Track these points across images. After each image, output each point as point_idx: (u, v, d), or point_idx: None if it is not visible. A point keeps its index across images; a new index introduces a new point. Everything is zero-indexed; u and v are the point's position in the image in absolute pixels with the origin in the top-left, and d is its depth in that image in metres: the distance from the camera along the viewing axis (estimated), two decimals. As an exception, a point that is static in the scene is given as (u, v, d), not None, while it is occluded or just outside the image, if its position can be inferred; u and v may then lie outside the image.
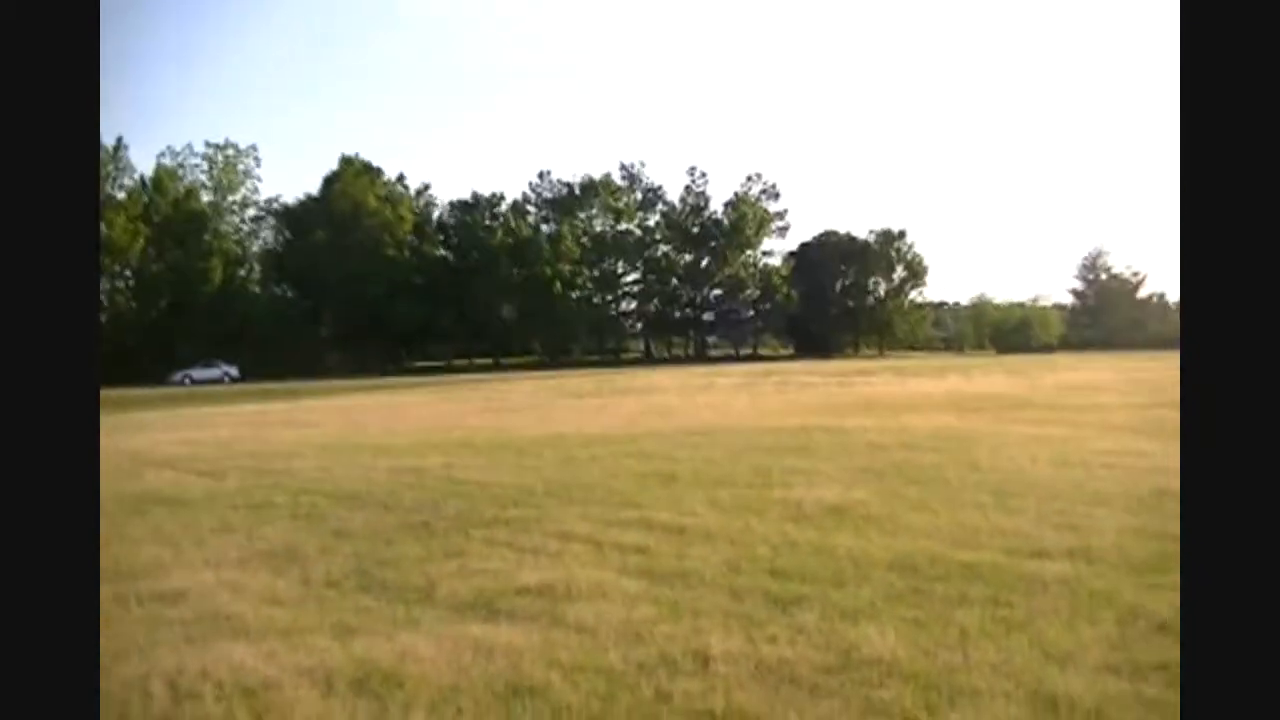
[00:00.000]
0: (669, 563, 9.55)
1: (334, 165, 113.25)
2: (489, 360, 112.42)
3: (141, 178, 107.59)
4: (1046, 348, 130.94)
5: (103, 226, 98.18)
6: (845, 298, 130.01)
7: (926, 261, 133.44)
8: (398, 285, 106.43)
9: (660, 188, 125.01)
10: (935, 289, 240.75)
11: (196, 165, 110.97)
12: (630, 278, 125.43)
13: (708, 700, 6.01)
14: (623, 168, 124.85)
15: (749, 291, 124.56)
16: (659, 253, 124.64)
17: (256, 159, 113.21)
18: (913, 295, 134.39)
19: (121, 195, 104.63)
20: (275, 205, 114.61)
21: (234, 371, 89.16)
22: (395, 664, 6.78)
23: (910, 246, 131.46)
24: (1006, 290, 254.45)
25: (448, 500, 13.45)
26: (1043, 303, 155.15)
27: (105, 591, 9.16)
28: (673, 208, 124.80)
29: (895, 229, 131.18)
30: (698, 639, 7.13)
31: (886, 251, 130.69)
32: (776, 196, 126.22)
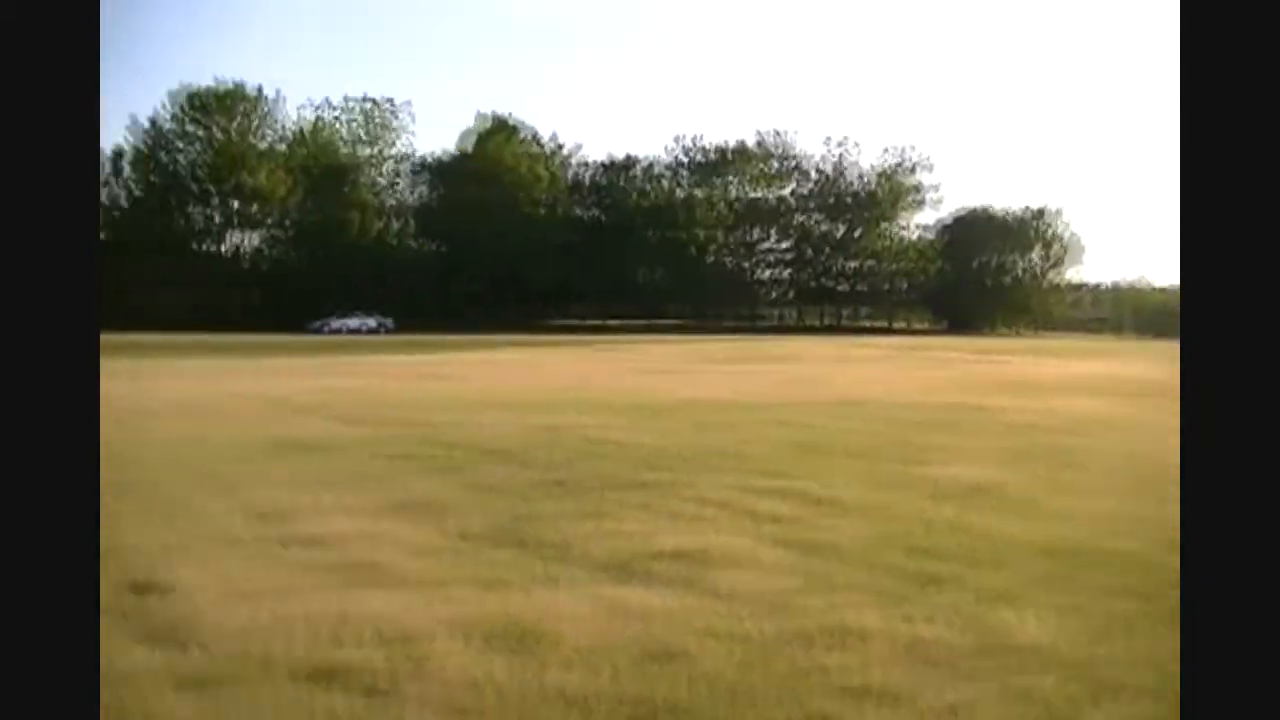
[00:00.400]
0: (807, 533, 9.51)
1: (482, 123, 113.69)
2: (628, 322, 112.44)
3: (296, 130, 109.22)
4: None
5: (256, 176, 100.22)
6: (990, 275, 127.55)
7: (1080, 240, 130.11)
8: (539, 244, 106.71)
9: (807, 156, 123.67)
10: (1092, 269, 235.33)
11: (350, 119, 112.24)
12: (772, 245, 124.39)
13: (846, 677, 5.97)
14: (768, 134, 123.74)
15: (893, 264, 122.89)
16: (803, 221, 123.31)
17: (411, 114, 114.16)
18: (1059, 274, 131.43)
19: (277, 146, 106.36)
20: (424, 160, 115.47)
21: (389, 323, 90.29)
22: (536, 621, 6.81)
23: (1061, 225, 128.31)
24: (1165, 273, 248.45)
25: (586, 460, 13.53)
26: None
27: (252, 532, 9.40)
28: (818, 177, 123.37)
29: (1046, 207, 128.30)
30: (836, 613, 7.08)
31: (1034, 229, 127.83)
32: (930, 169, 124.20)
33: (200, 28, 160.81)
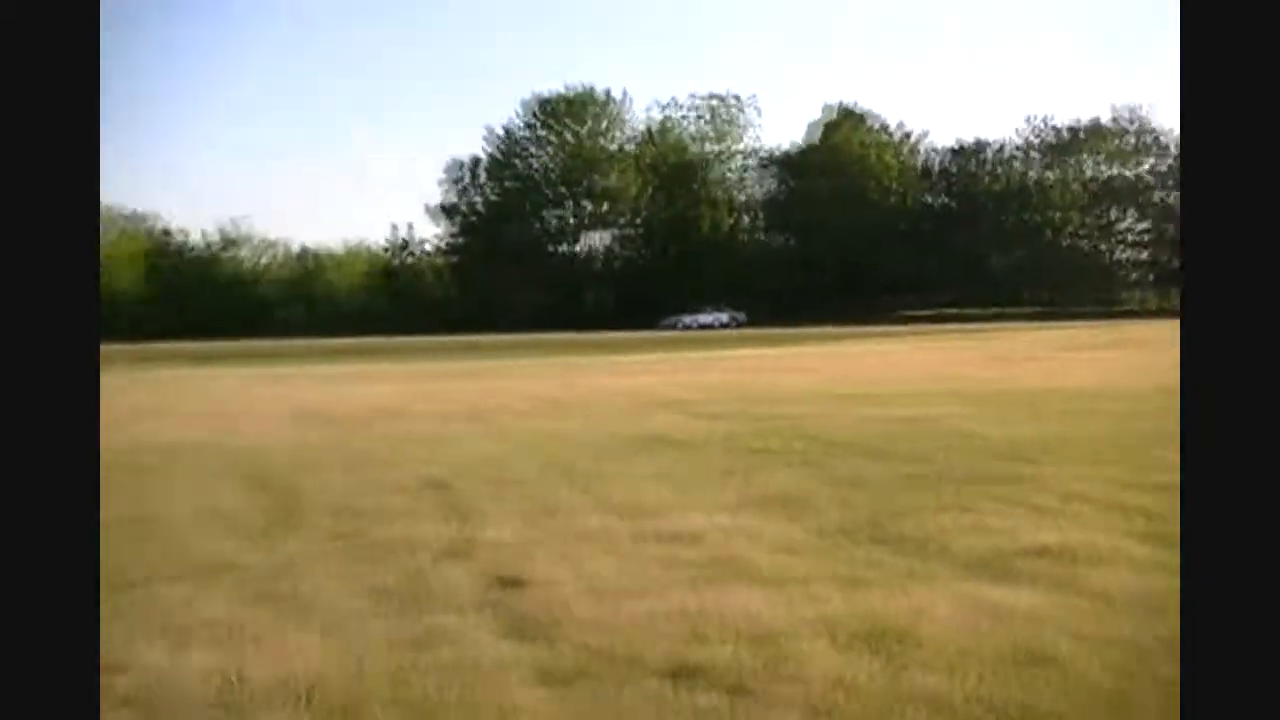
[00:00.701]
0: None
1: (829, 113, 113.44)
2: (980, 310, 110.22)
3: (645, 129, 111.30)
4: None
5: (608, 177, 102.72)
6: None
7: None
8: (886, 233, 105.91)
9: (1166, 131, 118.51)
10: None
11: (699, 116, 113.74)
12: (1129, 226, 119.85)
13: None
14: (1123, 110, 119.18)
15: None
16: (1161, 198, 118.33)
17: (757, 109, 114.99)
18: None
19: (630, 147, 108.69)
20: (769, 154, 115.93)
21: (741, 317, 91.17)
22: (909, 622, 6.63)
23: None
24: None
25: (947, 452, 13.24)
26: None
27: (621, 528, 9.53)
28: (1179, 153, 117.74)
29: None
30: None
31: None
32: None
33: (553, 33, 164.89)
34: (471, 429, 17.14)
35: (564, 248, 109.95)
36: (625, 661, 6.13)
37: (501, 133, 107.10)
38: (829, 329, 73.75)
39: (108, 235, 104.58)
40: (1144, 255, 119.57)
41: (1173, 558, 8.04)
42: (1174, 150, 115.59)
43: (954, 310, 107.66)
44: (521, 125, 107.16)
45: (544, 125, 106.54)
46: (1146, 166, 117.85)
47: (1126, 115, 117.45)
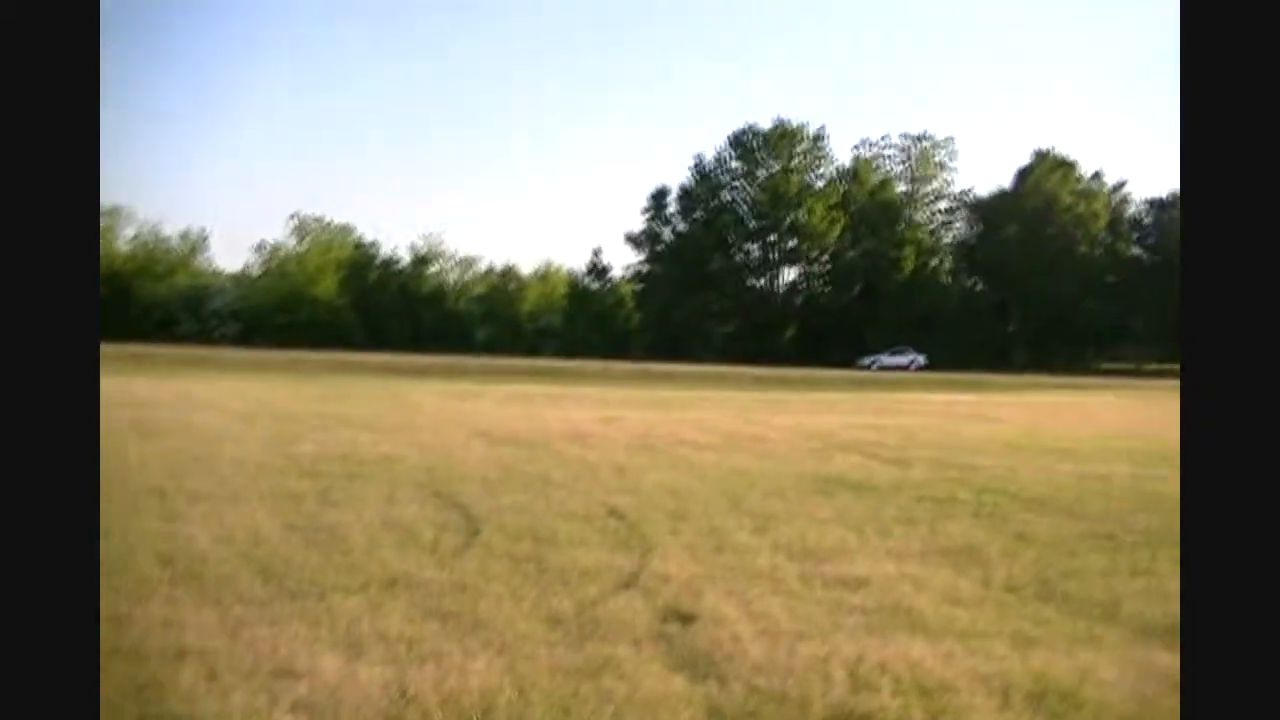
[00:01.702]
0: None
1: (1027, 159, 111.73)
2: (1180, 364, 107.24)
3: (840, 167, 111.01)
4: None
5: (802, 213, 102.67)
6: None
7: None
8: (1089, 283, 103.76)
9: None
10: None
11: (893, 155, 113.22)
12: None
13: None
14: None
15: None
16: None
17: (952, 151, 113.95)
18: None
19: (821, 184, 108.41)
20: (968, 197, 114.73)
21: (922, 360, 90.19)
22: (1074, 684, 6.56)
23: None
24: None
25: (1136, 513, 12.94)
26: None
27: (792, 569, 9.53)
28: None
29: None
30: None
31: None
32: None
33: (761, 66, 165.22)
34: (655, 459, 17.23)
35: (760, 282, 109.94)
36: (797, 704, 6.18)
37: (706, 163, 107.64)
38: (1024, 377, 72.53)
39: (310, 244, 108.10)
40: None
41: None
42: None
43: (1154, 365, 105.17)
44: (723, 157, 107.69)
45: (743, 158, 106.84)
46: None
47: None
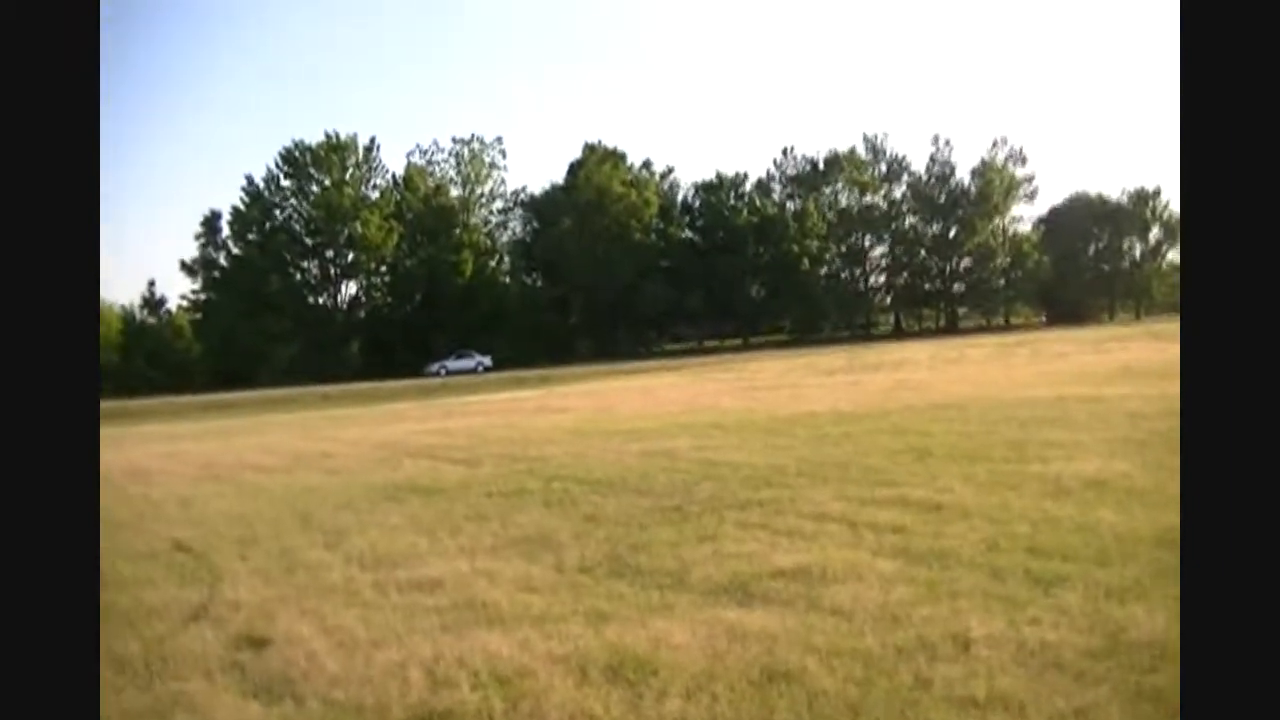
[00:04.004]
0: (925, 542, 9.31)
1: (588, 153, 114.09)
2: (738, 340, 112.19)
3: (393, 176, 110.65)
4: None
5: (358, 226, 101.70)
6: (1098, 262, 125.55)
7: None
8: (645, 269, 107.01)
9: (905, 158, 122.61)
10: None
11: (444, 161, 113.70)
12: (878, 251, 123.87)
13: (968, 686, 5.82)
14: (866, 140, 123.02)
15: (999, 260, 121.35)
16: (906, 225, 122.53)
17: (502, 151, 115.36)
18: (1171, 256, 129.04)
19: (375, 195, 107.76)
20: (522, 196, 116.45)
21: (487, 361, 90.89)
22: (649, 651, 6.74)
23: (1166, 205, 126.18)
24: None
25: (700, 483, 13.40)
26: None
27: (365, 579, 9.45)
28: (918, 178, 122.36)
29: (1149, 188, 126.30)
30: (957, 621, 6.93)
31: (1141, 212, 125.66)
32: (1024, 161, 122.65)
33: (292, 81, 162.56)
34: (220, 488, 16.74)
35: (322, 299, 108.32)
36: (375, 711, 6.12)
37: (258, 184, 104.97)
38: (588, 368, 74.21)
39: None
40: (894, 279, 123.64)
41: (914, 569, 8.36)
42: (922, 175, 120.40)
43: (714, 342, 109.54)
44: (274, 175, 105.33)
45: (294, 175, 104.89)
46: (897, 193, 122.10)
47: (873, 143, 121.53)
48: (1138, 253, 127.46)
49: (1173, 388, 22.19)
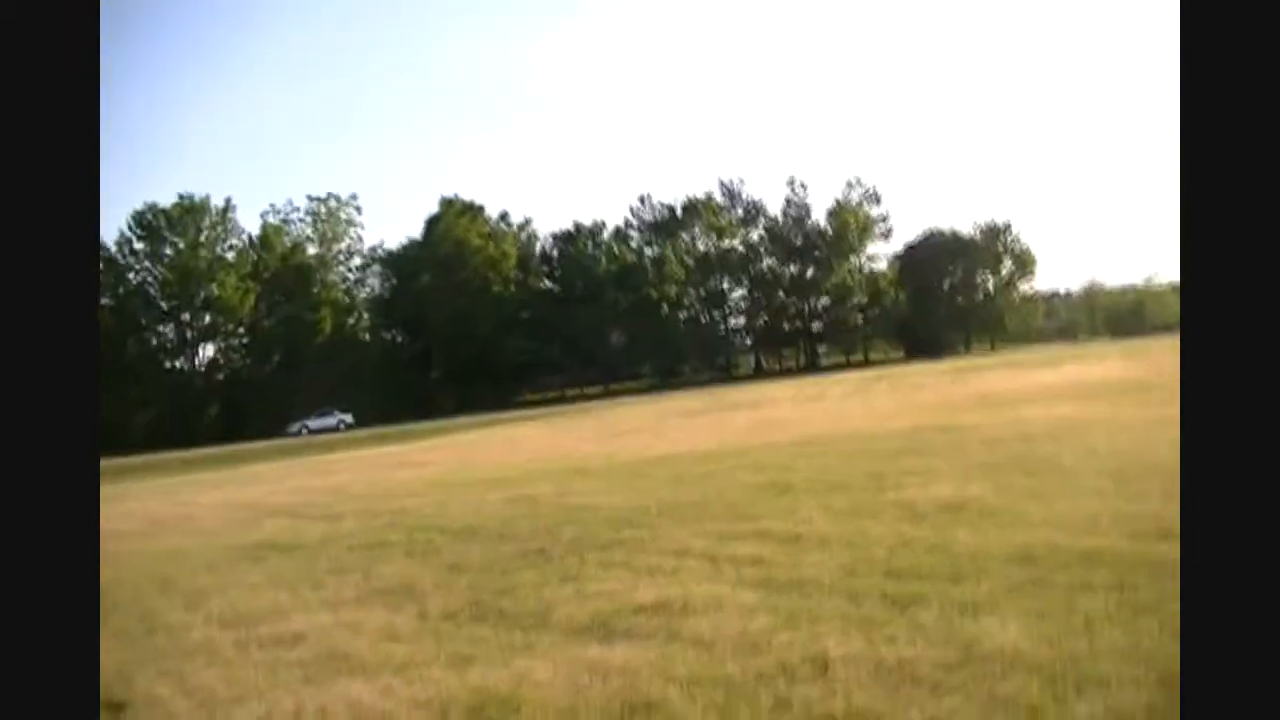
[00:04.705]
0: (785, 571, 9.41)
1: (445, 207, 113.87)
2: (599, 388, 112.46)
3: (249, 236, 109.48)
4: (1166, 328, 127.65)
5: (214, 288, 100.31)
6: (954, 295, 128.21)
7: (1035, 252, 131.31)
8: (506, 321, 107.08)
9: (761, 202, 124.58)
10: (1045, 279, 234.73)
11: (300, 219, 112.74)
12: (737, 294, 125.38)
13: (827, 704, 5.90)
14: (722, 185, 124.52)
15: (857, 298, 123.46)
16: (764, 266, 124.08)
17: (358, 207, 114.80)
18: (1023, 288, 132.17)
19: (231, 255, 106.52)
20: (379, 251, 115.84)
21: (349, 419, 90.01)
22: (511, 690, 6.73)
23: (1016, 238, 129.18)
24: (1119, 274, 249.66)
25: (562, 526, 13.40)
26: (1157, 283, 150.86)
27: (226, 638, 9.31)
28: (775, 221, 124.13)
29: (1000, 222, 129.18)
30: (815, 644, 7.00)
31: (993, 245, 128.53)
32: (878, 200, 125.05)
33: (143, 146, 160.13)
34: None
35: (179, 363, 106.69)
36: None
37: (109, 248, 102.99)
38: (451, 421, 73.76)
39: None
40: (754, 321, 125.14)
41: (772, 598, 8.44)
42: (778, 218, 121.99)
43: (576, 390, 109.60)
44: (126, 239, 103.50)
45: (147, 238, 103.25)
46: (754, 236, 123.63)
47: (729, 189, 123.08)
48: (991, 285, 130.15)
49: (1027, 412, 22.91)
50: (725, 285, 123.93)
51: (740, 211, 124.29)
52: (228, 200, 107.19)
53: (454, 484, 21.54)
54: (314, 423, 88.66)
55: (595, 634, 8.00)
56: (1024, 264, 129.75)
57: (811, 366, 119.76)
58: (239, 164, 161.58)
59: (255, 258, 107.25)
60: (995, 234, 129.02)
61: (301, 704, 6.96)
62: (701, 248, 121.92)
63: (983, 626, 6.97)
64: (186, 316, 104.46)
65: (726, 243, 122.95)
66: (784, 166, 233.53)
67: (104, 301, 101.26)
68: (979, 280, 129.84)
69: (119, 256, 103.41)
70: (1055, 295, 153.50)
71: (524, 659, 7.49)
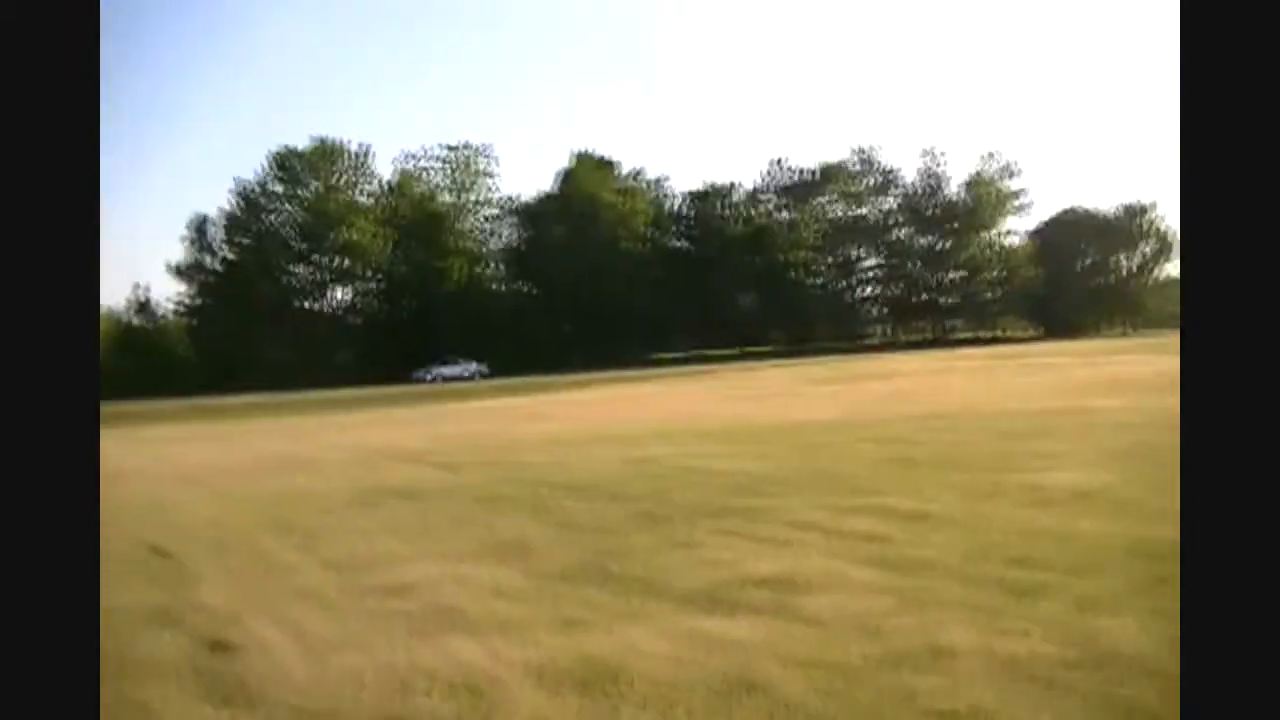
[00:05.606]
0: (905, 551, 9.24)
1: (578, 161, 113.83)
2: (729, 350, 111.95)
3: (385, 182, 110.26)
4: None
5: (350, 232, 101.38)
6: (1090, 276, 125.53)
7: (1173, 234, 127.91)
8: (636, 278, 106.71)
9: (897, 170, 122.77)
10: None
11: (436, 167, 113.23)
12: (868, 263, 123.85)
13: (944, 698, 5.71)
14: (858, 151, 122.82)
15: (990, 273, 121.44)
16: (896, 237, 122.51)
17: (494, 158, 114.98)
18: (1163, 270, 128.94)
19: (367, 200, 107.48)
20: (514, 203, 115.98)
21: (483, 369, 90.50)
22: (619, 659, 6.64)
23: (1160, 219, 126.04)
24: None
25: (679, 490, 13.34)
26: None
27: (333, 582, 9.34)
28: (909, 190, 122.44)
29: (1142, 202, 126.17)
30: (934, 632, 6.82)
31: (1132, 226, 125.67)
32: (1015, 175, 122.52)
33: (289, 89, 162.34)
34: (196, 492, 16.62)
35: (311, 304, 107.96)
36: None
37: (248, 188, 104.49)
38: (578, 376, 73.88)
39: None
40: (884, 290, 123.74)
41: (890, 578, 8.27)
42: (912, 188, 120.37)
43: (702, 352, 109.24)
44: (265, 180, 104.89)
45: (285, 180, 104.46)
46: (888, 205, 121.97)
47: (864, 156, 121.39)
48: (1129, 267, 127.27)
49: (1161, 400, 22.33)
50: (857, 253, 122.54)
51: (875, 179, 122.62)
52: (364, 145, 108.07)
53: (576, 440, 21.58)
54: (446, 371, 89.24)
55: (705, 605, 7.87)
56: (1166, 245, 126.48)
57: (941, 340, 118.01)
58: (373, 110, 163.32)
59: (390, 204, 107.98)
60: (1135, 214, 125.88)
61: (407, 659, 6.92)
62: (834, 214, 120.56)
63: (1104, 625, 6.75)
64: (323, 259, 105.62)
65: (859, 210, 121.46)
66: (921, 136, 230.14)
67: (243, 240, 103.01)
68: (1120, 261, 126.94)
69: (257, 197, 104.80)
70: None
71: (631, 626, 7.41)
